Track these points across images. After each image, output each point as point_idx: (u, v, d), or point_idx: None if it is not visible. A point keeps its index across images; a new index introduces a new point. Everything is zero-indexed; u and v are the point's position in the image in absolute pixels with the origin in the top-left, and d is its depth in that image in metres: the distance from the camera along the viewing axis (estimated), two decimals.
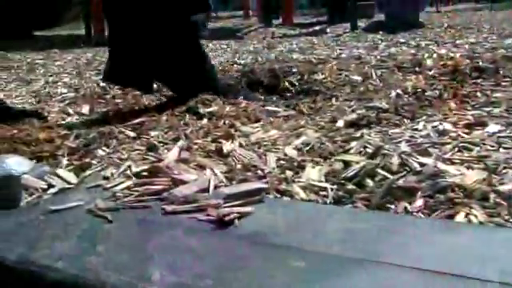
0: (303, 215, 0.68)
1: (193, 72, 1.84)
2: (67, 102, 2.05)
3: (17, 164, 0.80)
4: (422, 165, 0.96)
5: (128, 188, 0.83)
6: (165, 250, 0.61)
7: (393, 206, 0.83)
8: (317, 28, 6.30)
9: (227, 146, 1.07)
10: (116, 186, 0.85)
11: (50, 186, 0.90)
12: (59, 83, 2.60)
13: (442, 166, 0.95)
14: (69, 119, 1.73)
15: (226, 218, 0.66)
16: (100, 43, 5.07)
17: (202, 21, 1.92)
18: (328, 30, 5.69)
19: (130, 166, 0.94)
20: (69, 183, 0.91)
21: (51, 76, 2.92)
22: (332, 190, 0.91)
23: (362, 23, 5.93)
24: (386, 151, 1.04)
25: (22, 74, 3.07)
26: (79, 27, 8.05)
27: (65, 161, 1.12)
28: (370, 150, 1.06)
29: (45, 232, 0.69)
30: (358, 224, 0.65)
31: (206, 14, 1.95)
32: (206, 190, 0.79)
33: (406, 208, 0.83)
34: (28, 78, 2.89)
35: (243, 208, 0.70)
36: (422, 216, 0.81)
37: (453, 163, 0.99)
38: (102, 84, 2.39)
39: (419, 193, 0.85)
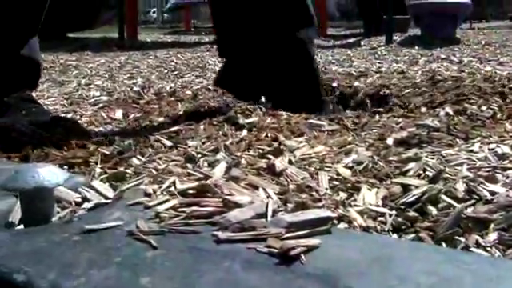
0: (381, 251, 0.59)
1: (300, 91, 1.82)
2: (100, 105, 1.99)
3: (50, 174, 0.72)
4: (491, 193, 0.88)
5: (173, 208, 0.75)
6: (221, 286, 0.53)
7: (462, 239, 0.75)
8: (351, 40, 6.25)
9: (279, 164, 1.00)
10: (159, 204, 0.77)
11: (85, 199, 0.82)
12: (91, 86, 2.56)
13: None
14: (102, 124, 1.68)
15: (292, 253, 0.58)
16: (133, 47, 5.07)
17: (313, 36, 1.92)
18: (362, 43, 5.64)
19: (174, 182, 0.86)
20: (106, 197, 0.83)
21: (84, 78, 2.88)
22: (391, 216, 0.83)
23: (396, 37, 5.88)
24: (447, 175, 0.96)
25: (55, 75, 3.03)
26: (113, 30, 8.11)
27: (98, 169, 1.06)
28: (429, 173, 0.98)
29: (80, 256, 0.61)
30: (449, 266, 0.56)
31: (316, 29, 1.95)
32: (264, 215, 0.71)
33: (477, 241, 0.75)
34: (60, 79, 2.85)
35: (310, 240, 0.62)
36: (498, 253, 0.73)
37: None
38: (135, 88, 2.35)
39: (492, 225, 0.77)
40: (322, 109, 1.76)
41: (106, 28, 9.45)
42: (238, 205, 0.72)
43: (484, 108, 1.63)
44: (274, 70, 1.81)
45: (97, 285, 0.54)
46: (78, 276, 0.56)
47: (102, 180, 0.96)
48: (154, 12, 29.58)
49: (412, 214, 0.84)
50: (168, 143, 1.29)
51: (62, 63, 3.72)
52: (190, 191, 0.82)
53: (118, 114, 1.81)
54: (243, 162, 1.05)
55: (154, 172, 0.99)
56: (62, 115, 1.79)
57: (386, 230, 0.81)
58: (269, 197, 0.81)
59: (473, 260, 0.59)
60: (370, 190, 0.93)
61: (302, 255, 0.58)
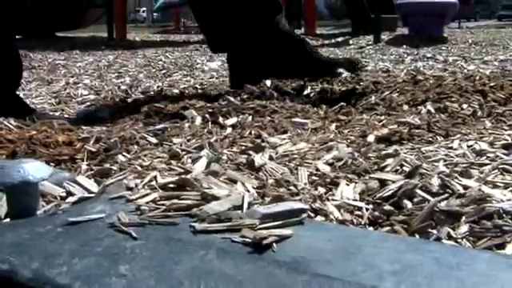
0: (349, 241, 0.62)
1: (296, 59, 2.03)
2: (88, 104, 2.01)
3: (35, 169, 0.74)
4: (464, 187, 0.90)
5: (154, 201, 0.78)
6: (196, 275, 0.55)
7: (435, 231, 0.78)
8: (339, 39, 6.27)
9: (258, 159, 1.02)
10: (140, 198, 0.79)
11: (69, 193, 0.84)
12: (80, 85, 2.57)
13: (485, 189, 0.90)
14: (89, 121, 1.69)
15: (264, 242, 0.60)
16: (121, 46, 5.07)
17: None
18: (351, 42, 5.66)
19: (155, 177, 0.88)
20: (89, 192, 0.85)
21: (72, 77, 2.89)
22: (368, 210, 0.85)
23: (384, 36, 5.89)
24: (423, 170, 0.99)
25: (43, 74, 3.03)
26: (102, 30, 8.09)
27: (84, 165, 1.08)
28: (406, 169, 1.00)
29: (63, 246, 0.63)
30: (412, 254, 0.58)
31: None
32: (240, 207, 0.73)
33: (449, 234, 0.77)
34: (48, 78, 2.85)
35: (282, 230, 0.64)
36: (468, 244, 0.76)
37: (496, 186, 0.93)
38: (123, 87, 2.36)
39: (463, 218, 0.80)
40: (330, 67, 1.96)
41: (94, 27, 9.44)
42: (215, 198, 0.75)
43: (465, 106, 1.65)
44: (266, 55, 2.00)
45: (78, 273, 0.57)
46: (60, 265, 0.58)
47: (87, 176, 0.98)
48: (143, 11, 29.51)
49: (388, 207, 0.86)
50: (153, 140, 1.31)
51: (50, 62, 3.73)
52: (171, 185, 0.84)
53: (106, 112, 1.82)
54: (224, 158, 1.07)
55: (139, 168, 1.01)
56: (50, 113, 1.81)
57: (363, 223, 0.83)
58: (247, 191, 0.83)
59: (435, 249, 0.62)
60: (348, 185, 0.95)
61: (274, 244, 0.61)
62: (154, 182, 0.86)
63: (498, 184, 0.94)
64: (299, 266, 0.56)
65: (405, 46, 4.57)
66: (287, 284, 0.53)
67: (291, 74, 2.00)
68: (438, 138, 1.29)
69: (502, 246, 0.72)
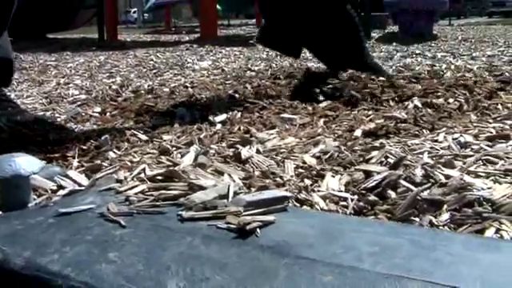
0: (331, 226, 0.64)
1: (342, 43, 1.98)
2: (79, 103, 2.02)
3: (26, 163, 0.76)
4: (447, 177, 0.92)
5: (142, 192, 0.80)
6: (182, 260, 0.57)
7: (417, 219, 0.80)
8: None
9: (245, 152, 1.04)
10: (129, 189, 0.81)
11: (60, 187, 0.86)
12: (71, 85, 2.58)
13: (467, 178, 0.92)
14: (80, 120, 1.70)
15: (248, 227, 0.62)
16: (113, 47, 5.07)
17: None
18: None
19: (144, 170, 0.90)
20: (80, 185, 0.87)
21: (63, 78, 2.89)
22: (352, 200, 0.87)
23: (375, 34, 5.91)
24: (408, 162, 1.00)
25: (34, 75, 3.04)
26: (93, 31, 8.07)
27: (75, 162, 1.09)
28: (391, 161, 1.02)
29: (54, 236, 0.65)
30: (390, 237, 0.60)
31: None
32: (225, 196, 0.75)
33: (431, 221, 0.79)
34: (39, 78, 2.86)
35: (265, 216, 0.66)
36: (449, 230, 0.77)
37: (478, 176, 0.95)
38: (114, 87, 2.37)
39: (445, 206, 0.82)
40: (365, 65, 1.94)
41: (85, 28, 9.43)
42: (202, 188, 0.77)
43: (451, 100, 1.67)
44: (315, 23, 1.94)
45: (69, 260, 0.59)
46: (52, 253, 0.60)
47: (79, 172, 0.99)
48: (134, 12, 29.44)
49: (372, 198, 0.88)
50: (144, 137, 1.33)
51: (41, 63, 3.73)
52: (159, 177, 0.86)
53: (96, 110, 1.83)
54: (212, 151, 1.09)
55: (129, 164, 1.03)
56: (41, 113, 1.82)
57: (348, 213, 0.85)
58: (234, 181, 0.85)
59: (413, 231, 0.64)
60: (333, 176, 0.97)
61: (258, 230, 0.63)
62: (142, 175, 0.88)
63: (480, 174, 0.96)
64: (282, 249, 0.58)
65: (394, 44, 4.59)
66: (270, 266, 0.55)
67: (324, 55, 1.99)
68: (424, 131, 1.31)
69: (481, 232, 0.74)
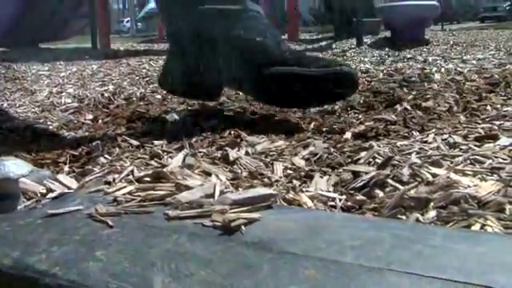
0: (315, 222, 0.65)
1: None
2: (71, 111, 2.02)
3: (15, 167, 0.77)
4: (434, 175, 0.93)
5: (130, 193, 0.80)
6: (168, 257, 0.58)
7: (404, 217, 0.80)
8: (323, 44, 6.31)
9: (233, 154, 1.05)
10: (117, 190, 0.82)
11: (50, 190, 0.87)
12: (63, 93, 2.58)
13: (454, 176, 0.92)
14: (72, 127, 1.71)
15: (232, 224, 0.63)
16: (106, 56, 5.08)
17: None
18: (334, 46, 5.69)
19: (132, 171, 0.91)
20: (69, 188, 0.88)
21: (55, 87, 2.90)
22: (340, 200, 0.88)
23: (367, 39, 5.93)
24: (396, 162, 1.01)
25: (27, 85, 3.04)
26: (85, 40, 8.07)
27: (66, 168, 1.10)
28: (379, 161, 1.03)
29: (42, 236, 0.65)
30: (373, 231, 0.61)
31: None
32: (212, 195, 0.76)
33: (418, 219, 0.80)
34: (32, 88, 2.86)
35: (250, 214, 0.67)
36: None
37: (465, 175, 0.96)
38: (106, 94, 2.38)
39: (432, 204, 0.82)
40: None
41: (78, 38, 9.43)
42: (188, 188, 0.78)
43: (441, 102, 1.69)
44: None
45: (56, 259, 0.59)
46: (40, 253, 0.61)
47: (70, 176, 1.00)
48: (127, 21, 29.47)
49: (360, 197, 0.89)
50: (135, 143, 1.33)
51: (34, 73, 3.73)
52: (147, 178, 0.87)
53: (88, 118, 1.84)
54: (200, 154, 1.10)
55: (120, 169, 1.03)
56: (33, 121, 1.83)
57: (336, 212, 0.86)
58: (221, 181, 0.86)
59: (396, 226, 0.65)
60: (321, 177, 0.98)
61: (243, 227, 0.64)
62: (130, 176, 0.89)
63: (468, 172, 0.97)
64: (266, 245, 0.58)
65: (387, 49, 4.61)
66: (254, 261, 0.55)
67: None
68: (413, 132, 1.32)
69: (467, 228, 0.74)
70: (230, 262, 0.56)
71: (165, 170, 0.88)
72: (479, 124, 1.36)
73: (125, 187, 0.82)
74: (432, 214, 0.80)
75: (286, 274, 0.53)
